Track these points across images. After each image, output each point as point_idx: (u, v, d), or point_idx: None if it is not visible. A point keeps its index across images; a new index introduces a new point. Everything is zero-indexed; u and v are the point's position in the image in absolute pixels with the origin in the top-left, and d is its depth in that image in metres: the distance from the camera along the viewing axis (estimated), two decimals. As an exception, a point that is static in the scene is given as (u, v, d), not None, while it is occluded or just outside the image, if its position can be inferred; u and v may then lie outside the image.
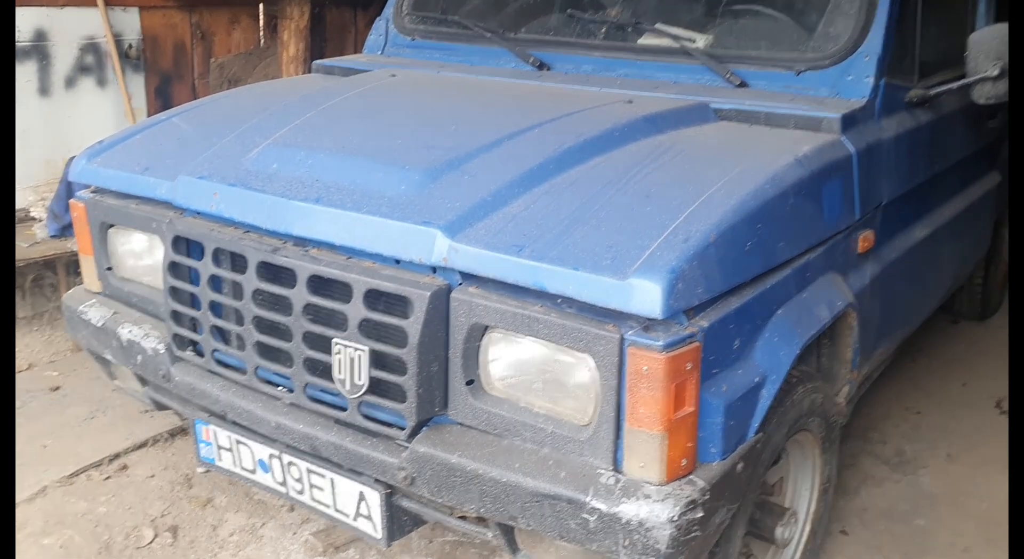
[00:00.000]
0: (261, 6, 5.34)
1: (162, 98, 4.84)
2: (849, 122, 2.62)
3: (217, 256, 2.40)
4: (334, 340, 2.20)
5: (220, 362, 2.51)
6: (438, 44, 3.49)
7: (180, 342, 2.56)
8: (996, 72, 2.84)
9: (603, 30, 3.20)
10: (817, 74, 2.81)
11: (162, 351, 2.60)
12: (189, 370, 2.57)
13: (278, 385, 2.41)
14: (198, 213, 2.51)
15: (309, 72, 4.50)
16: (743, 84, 2.88)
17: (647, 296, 1.87)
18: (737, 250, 2.07)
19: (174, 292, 2.51)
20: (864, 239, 2.68)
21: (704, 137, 2.54)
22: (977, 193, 3.81)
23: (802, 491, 2.72)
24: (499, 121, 2.61)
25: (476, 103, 2.86)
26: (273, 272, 2.31)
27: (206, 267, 2.41)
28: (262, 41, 5.38)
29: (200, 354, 2.53)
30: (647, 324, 1.93)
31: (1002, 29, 2.79)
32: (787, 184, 2.26)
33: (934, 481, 3.55)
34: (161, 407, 2.82)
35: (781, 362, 2.18)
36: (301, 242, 2.33)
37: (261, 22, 5.39)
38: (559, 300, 2.02)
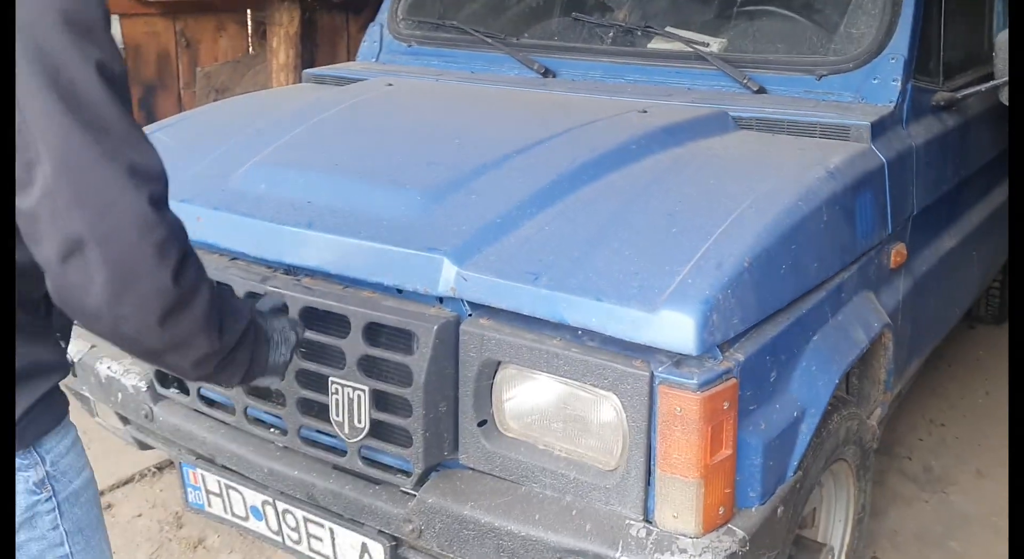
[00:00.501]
0: (249, 12, 5.14)
1: (146, 109, 4.64)
2: (878, 129, 2.45)
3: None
4: (331, 379, 2.01)
5: (207, 401, 2.32)
6: (436, 50, 3.30)
7: (163, 379, 2.37)
8: (1028, 72, 2.66)
9: (610, 34, 3.02)
10: (840, 78, 2.65)
11: (144, 389, 2.41)
12: (173, 409, 2.38)
13: (270, 426, 2.22)
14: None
15: (300, 80, 4.32)
16: (761, 90, 2.71)
17: (679, 330, 1.69)
18: (772, 274, 1.89)
19: (157, 325, 2.31)
20: (896, 253, 2.51)
21: (726, 149, 2.36)
22: (1000, 197, 3.64)
23: (836, 522, 2.54)
24: (506, 134, 2.43)
25: (479, 114, 2.68)
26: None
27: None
28: (250, 48, 5.18)
29: (185, 392, 2.34)
30: (678, 359, 1.75)
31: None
32: (821, 199, 2.08)
33: (965, 499, 3.38)
34: (145, 446, 2.63)
35: (820, 393, 2.00)
36: (293, 270, 2.14)
37: (249, 29, 5.20)
38: (579, 332, 1.84)
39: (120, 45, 4.51)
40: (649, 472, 1.78)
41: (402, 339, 1.97)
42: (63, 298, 1.19)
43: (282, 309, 1.74)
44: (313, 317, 2.05)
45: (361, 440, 2.01)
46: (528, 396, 1.93)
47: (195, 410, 2.34)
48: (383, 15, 3.48)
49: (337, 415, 2.02)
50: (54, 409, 1.38)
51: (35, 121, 1.12)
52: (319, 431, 2.11)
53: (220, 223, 2.20)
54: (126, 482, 3.33)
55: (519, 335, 1.86)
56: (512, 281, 1.86)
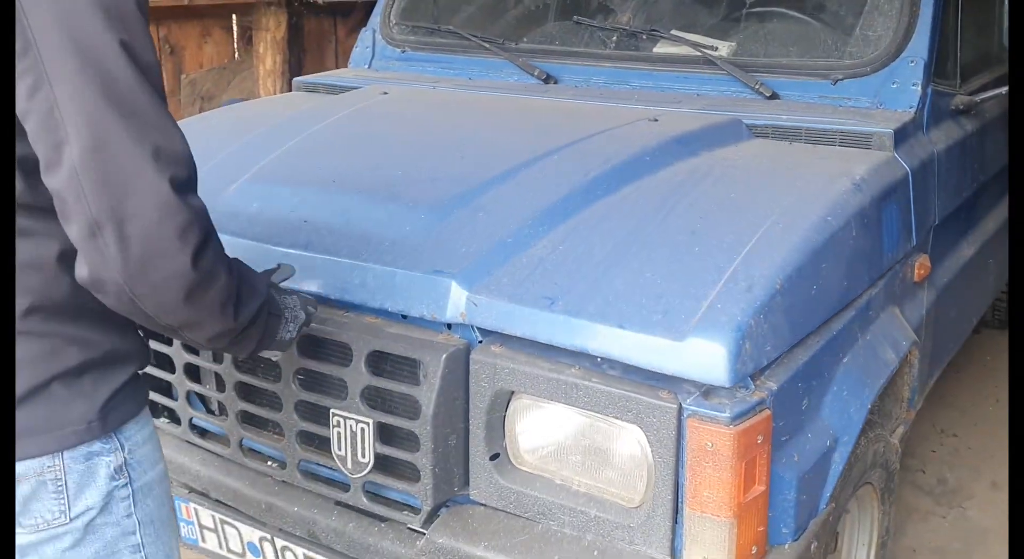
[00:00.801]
0: (234, 17, 5.00)
1: (129, 119, 4.49)
2: (901, 136, 2.34)
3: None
4: (332, 410, 1.89)
5: (199, 431, 2.19)
6: (431, 56, 3.18)
7: (153, 408, 2.24)
8: (1048, 74, 2.55)
9: (614, 38, 2.91)
10: (857, 82, 2.54)
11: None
12: (163, 441, 2.20)
13: (268, 458, 2.09)
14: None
15: (288, 86, 4.19)
16: (774, 95, 2.60)
17: (710, 360, 1.57)
18: (804, 296, 1.78)
19: (145, 352, 2.18)
20: (920, 266, 2.40)
21: (743, 159, 2.24)
22: (1014, 202, 3.54)
23: (859, 546, 2.43)
24: (511, 146, 2.31)
25: (482, 124, 2.56)
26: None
27: (181, 324, 2.08)
28: (236, 54, 5.04)
29: (176, 422, 2.21)
30: (707, 388, 1.63)
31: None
32: (849, 213, 1.97)
33: (982, 514, 3.29)
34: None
35: (852, 420, 1.89)
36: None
37: (235, 34, 5.06)
38: (599, 360, 1.72)
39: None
40: (676, 510, 1.66)
41: (408, 368, 1.85)
42: (89, 276, 1.22)
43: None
44: (312, 345, 1.93)
45: (365, 475, 1.89)
46: (544, 427, 1.81)
47: (187, 441, 2.21)
48: (375, 20, 3.35)
49: (339, 449, 1.90)
50: (136, 397, 1.43)
51: (65, 103, 1.15)
52: (320, 465, 1.98)
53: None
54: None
55: (534, 364, 1.74)
56: (526, 306, 1.74)
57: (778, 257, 1.76)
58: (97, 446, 1.36)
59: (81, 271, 1.23)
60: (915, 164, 2.34)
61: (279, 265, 1.83)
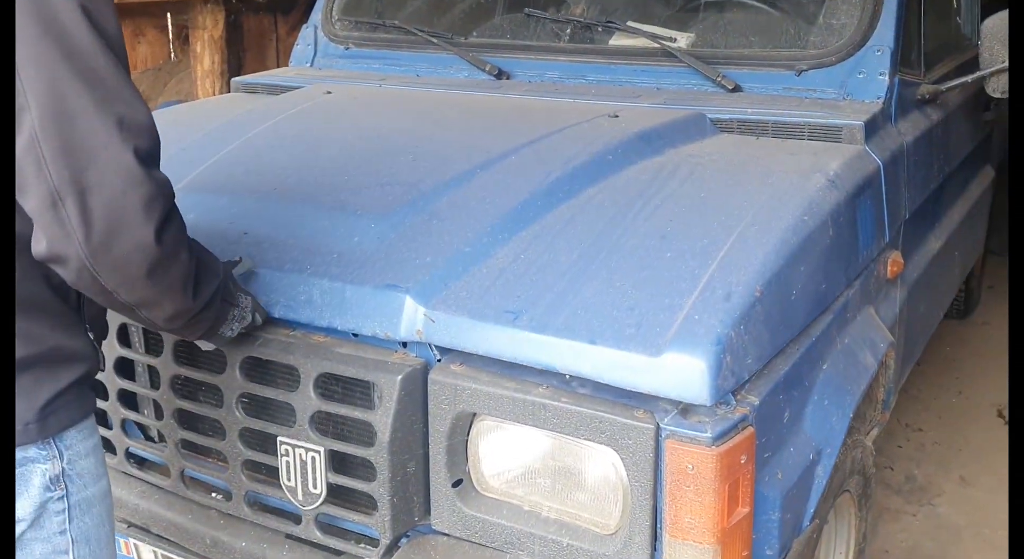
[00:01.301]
0: (169, 16, 4.80)
1: (60, 124, 4.28)
2: (871, 128, 2.24)
3: (124, 334, 1.93)
4: (280, 438, 1.74)
5: (137, 460, 2.03)
6: (377, 52, 3.03)
7: (86, 437, 2.07)
8: (1016, 61, 2.48)
9: (568, 31, 2.78)
10: (822, 73, 2.44)
11: (65, 449, 2.10)
12: (100, 472, 2.08)
13: (212, 489, 1.94)
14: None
15: (227, 88, 4.00)
16: (736, 88, 2.49)
17: (689, 376, 1.46)
18: (784, 302, 1.67)
19: (75, 378, 2.02)
20: (893, 263, 2.31)
21: (710, 155, 2.13)
22: (977, 191, 3.49)
23: (836, 555, 2.34)
24: (465, 147, 2.17)
25: (433, 124, 2.42)
26: (196, 353, 1.84)
27: (111, 347, 1.93)
28: (172, 54, 4.84)
29: (112, 452, 2.04)
30: (685, 406, 1.52)
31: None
32: (826, 211, 1.87)
33: (953, 511, 3.23)
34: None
35: (835, 430, 1.79)
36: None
37: (170, 34, 4.86)
38: (568, 377, 1.60)
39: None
40: (655, 537, 1.54)
41: (361, 391, 1.71)
42: (48, 250, 1.17)
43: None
44: (257, 367, 1.78)
45: (318, 507, 1.75)
46: (510, 449, 1.68)
47: (124, 472, 2.05)
48: (317, 16, 3.19)
49: (289, 479, 1.75)
50: (81, 403, 1.35)
51: (26, 68, 1.12)
52: (269, 496, 1.84)
53: None
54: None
55: (498, 383, 1.61)
56: (488, 322, 1.61)
57: (755, 261, 1.65)
58: (32, 451, 1.28)
59: (39, 246, 1.18)
60: (886, 157, 2.25)
61: (240, 258, 1.74)
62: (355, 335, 1.75)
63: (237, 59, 5.02)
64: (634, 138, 2.13)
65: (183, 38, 4.82)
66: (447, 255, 1.75)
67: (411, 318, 1.66)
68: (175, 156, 2.27)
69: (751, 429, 1.51)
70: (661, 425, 1.48)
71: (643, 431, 1.48)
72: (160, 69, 4.74)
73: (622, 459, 1.52)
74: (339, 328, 1.72)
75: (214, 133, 2.37)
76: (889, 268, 2.29)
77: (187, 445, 1.92)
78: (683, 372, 1.46)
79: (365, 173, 2.05)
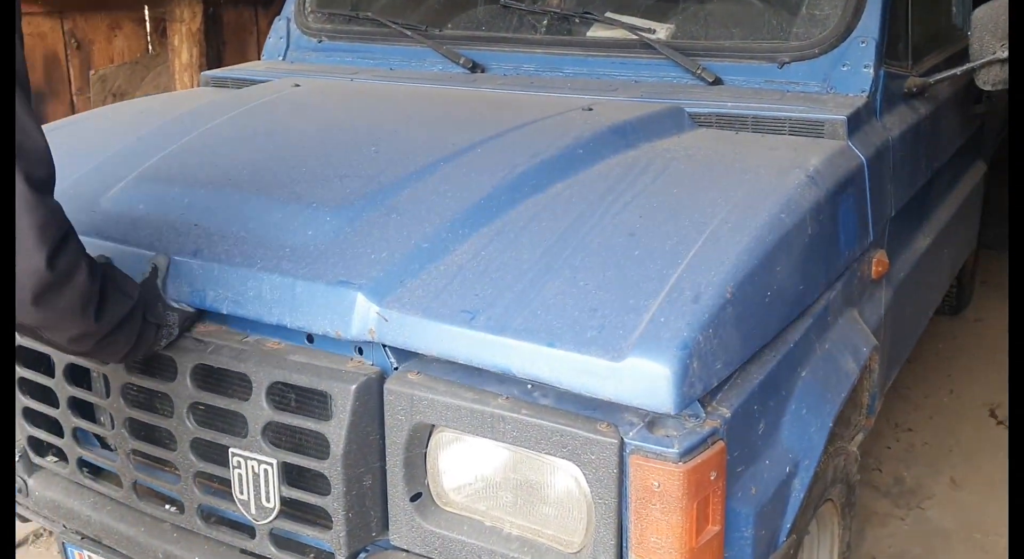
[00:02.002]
0: (146, 8, 4.70)
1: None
2: (854, 123, 2.16)
3: (74, 339, 1.84)
4: (231, 450, 1.66)
5: (90, 470, 1.95)
6: (349, 46, 2.94)
7: (38, 446, 1.99)
8: (1005, 53, 2.39)
9: (544, 23, 2.70)
10: (804, 65, 2.36)
11: (16, 458, 2.02)
12: (51, 482, 2.01)
13: (166, 500, 1.86)
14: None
15: (204, 82, 3.90)
16: (717, 81, 2.41)
17: (652, 383, 1.38)
18: (757, 304, 1.59)
19: (23, 384, 1.94)
20: (878, 262, 2.23)
21: (685, 150, 2.05)
22: (968, 186, 3.41)
23: (819, 566, 2.27)
24: (431, 140, 2.09)
25: (400, 117, 2.33)
26: (146, 360, 1.75)
27: (60, 354, 1.84)
28: (150, 48, 4.74)
29: (64, 460, 1.97)
30: (651, 418, 1.44)
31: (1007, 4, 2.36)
32: (804, 209, 1.79)
33: (942, 514, 3.15)
34: (26, 519, 2.24)
35: (814, 441, 1.71)
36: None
37: (148, 26, 4.75)
38: (529, 385, 1.52)
39: None
40: (621, 556, 1.46)
41: (315, 401, 1.63)
42: None
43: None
44: (208, 375, 1.70)
45: (271, 521, 1.67)
46: (470, 462, 1.60)
47: (76, 482, 1.97)
48: (289, 8, 3.10)
49: (241, 492, 1.68)
50: None
51: None
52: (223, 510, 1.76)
53: (90, 251, 1.82)
54: (19, 544, 2.94)
55: (456, 394, 1.52)
56: (443, 322, 1.53)
57: (727, 261, 1.57)
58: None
59: None
60: (870, 153, 2.16)
61: (153, 266, 1.71)
62: (309, 340, 1.67)
63: (216, 53, 4.92)
64: (607, 132, 2.04)
65: (161, 31, 4.72)
66: (404, 251, 1.66)
67: (363, 317, 1.58)
68: (130, 146, 2.19)
69: (721, 443, 1.43)
70: (625, 439, 1.40)
71: (606, 446, 1.40)
72: (137, 63, 4.64)
73: (585, 475, 1.44)
74: (289, 325, 1.64)
75: (172, 124, 2.29)
76: (874, 268, 2.21)
77: (139, 455, 1.84)
78: (646, 378, 1.37)
79: (324, 165, 1.97)
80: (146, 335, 1.57)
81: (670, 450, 1.37)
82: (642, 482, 1.39)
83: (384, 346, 1.60)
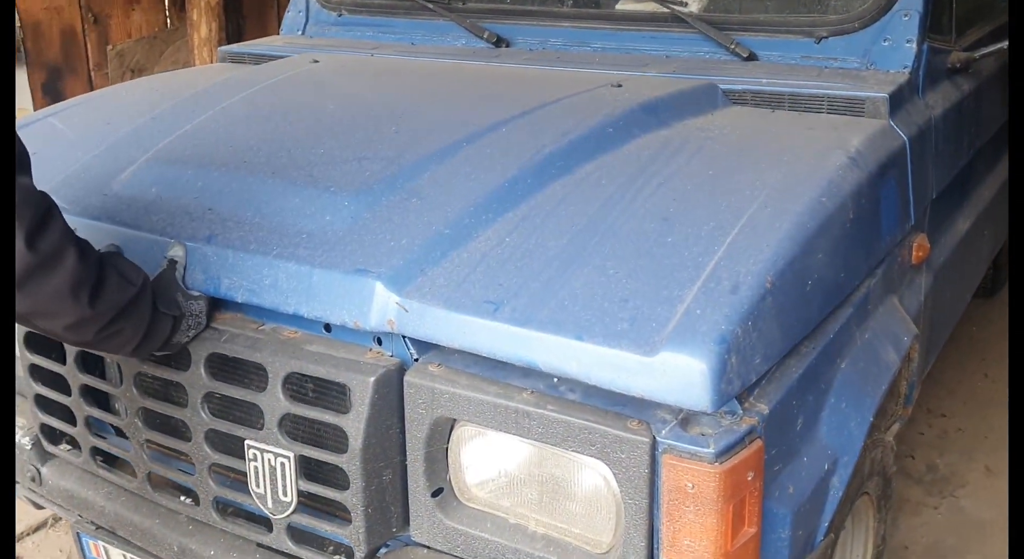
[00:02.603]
0: (165, -18, 4.64)
1: (52, 96, 4.14)
2: (896, 101, 2.06)
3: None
4: (247, 442, 1.60)
5: (104, 459, 1.90)
6: (370, 20, 2.86)
7: (51, 434, 1.95)
8: (1053, 26, 2.28)
9: (572, -5, 2.60)
10: (843, 40, 2.26)
11: (28, 446, 1.98)
12: (65, 471, 1.96)
13: (182, 492, 1.81)
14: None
15: (221, 57, 3.83)
16: (751, 56, 2.31)
17: (688, 379, 1.30)
18: (797, 294, 1.51)
19: (35, 371, 1.89)
20: (918, 247, 2.13)
21: (720, 129, 1.96)
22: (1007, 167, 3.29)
23: (853, 559, 2.19)
24: (453, 118, 2.01)
25: (421, 95, 2.25)
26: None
27: (72, 340, 1.79)
28: (168, 22, 4.68)
29: (77, 449, 1.92)
30: (685, 414, 1.36)
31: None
32: (846, 193, 1.70)
33: (977, 504, 3.06)
34: (40, 507, 2.20)
35: (853, 436, 1.63)
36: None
37: (166, 0, 4.69)
38: (555, 379, 1.44)
39: (16, 23, 3.99)
40: (652, 558, 1.39)
41: (333, 393, 1.57)
42: None
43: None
44: (223, 364, 1.64)
45: (289, 515, 1.61)
46: (494, 457, 1.53)
47: (90, 472, 1.92)
48: (309, -20, 3.02)
49: (258, 486, 1.62)
50: None
51: None
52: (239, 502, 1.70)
53: (99, 237, 1.76)
54: (37, 529, 2.91)
55: (479, 387, 1.46)
56: (465, 313, 1.46)
57: (767, 249, 1.48)
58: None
59: None
60: (912, 132, 2.07)
61: (171, 259, 1.65)
62: (327, 329, 1.61)
63: (236, 27, 4.85)
64: (637, 109, 1.96)
65: (180, 5, 4.65)
66: (424, 238, 1.59)
67: (382, 306, 1.51)
68: (144, 126, 2.13)
69: (759, 442, 1.35)
70: (658, 438, 1.33)
71: (637, 445, 1.33)
72: (156, 37, 4.58)
73: (614, 474, 1.37)
74: (305, 315, 1.57)
75: (187, 103, 2.22)
76: (914, 253, 2.12)
77: (153, 445, 1.78)
78: (681, 374, 1.30)
79: (343, 146, 1.90)
80: (159, 326, 1.51)
81: (705, 450, 1.30)
82: (675, 483, 1.32)
83: (404, 337, 1.54)
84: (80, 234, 1.76)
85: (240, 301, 1.64)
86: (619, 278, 1.47)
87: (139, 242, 1.72)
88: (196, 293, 1.64)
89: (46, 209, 1.24)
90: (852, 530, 2.12)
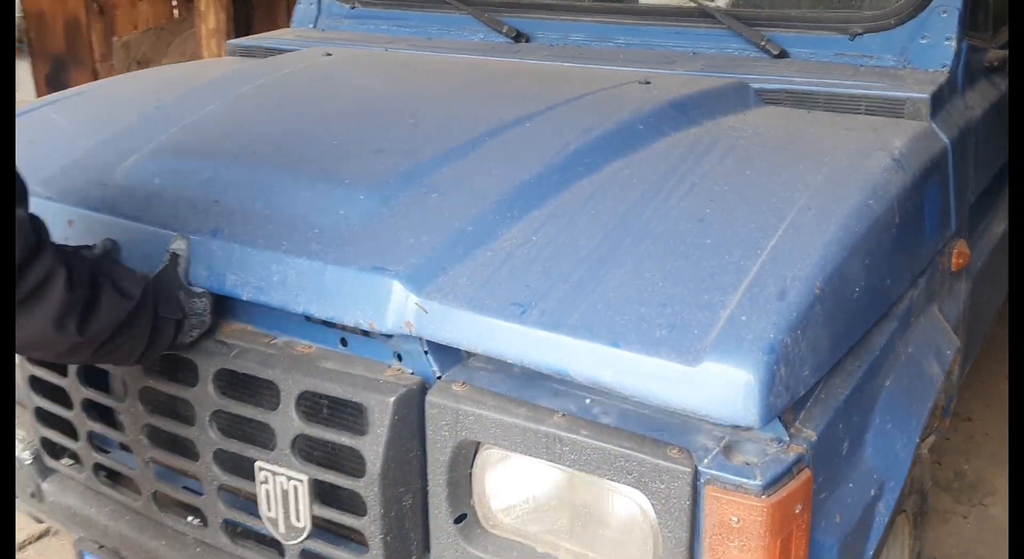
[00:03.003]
0: (172, -28, 4.55)
1: (55, 87, 4.05)
2: (937, 102, 1.97)
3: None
4: (258, 463, 1.52)
5: (107, 475, 1.82)
6: (385, 12, 2.77)
7: (52, 449, 1.86)
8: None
9: (594, -13, 2.51)
10: (879, 37, 2.17)
11: (28, 461, 1.90)
12: (66, 486, 1.88)
13: (188, 512, 1.72)
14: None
15: (229, 50, 3.74)
16: (782, 53, 2.22)
17: (734, 392, 1.21)
18: (846, 301, 1.41)
19: (35, 383, 1.80)
20: (959, 254, 2.04)
21: (754, 129, 1.87)
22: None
23: (886, 577, 2.10)
24: (474, 112, 1.92)
25: (439, 88, 2.16)
26: (166, 362, 1.61)
27: (75, 352, 1.70)
28: (176, 13, 4.59)
29: (79, 463, 1.84)
30: (728, 441, 1.27)
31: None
32: (892, 196, 1.60)
33: (1007, 512, 2.97)
34: (42, 521, 2.12)
35: (900, 458, 1.54)
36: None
37: (173, -9, 4.60)
38: (588, 400, 1.36)
39: (18, 13, 3.90)
40: (692, 593, 1.31)
41: (350, 413, 1.48)
42: None
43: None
44: (232, 380, 1.56)
45: (302, 541, 1.53)
46: (521, 481, 1.44)
47: (93, 489, 1.84)
48: (320, -28, 2.93)
49: (269, 510, 1.53)
50: None
51: None
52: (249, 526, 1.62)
53: (98, 229, 1.67)
54: (39, 537, 2.83)
55: (507, 409, 1.36)
56: (491, 315, 1.36)
57: (814, 252, 1.39)
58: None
59: None
60: (954, 135, 1.97)
61: (172, 254, 1.55)
62: (343, 343, 1.52)
63: (245, 19, 4.75)
64: (667, 107, 1.87)
65: (186, -4, 4.57)
66: (446, 235, 1.49)
67: (400, 307, 1.41)
68: (148, 116, 2.05)
69: (808, 472, 1.26)
70: (700, 467, 1.24)
71: (678, 474, 1.24)
72: (163, 29, 4.48)
73: (652, 504, 1.28)
74: (316, 315, 1.47)
75: (193, 94, 2.13)
76: (954, 260, 2.02)
77: (159, 465, 1.70)
78: (726, 386, 1.20)
79: (358, 139, 1.81)
80: (162, 333, 1.45)
81: (752, 482, 1.21)
82: (718, 517, 1.23)
83: (426, 353, 1.45)
84: (78, 226, 1.70)
85: (245, 298, 1.53)
86: (656, 281, 1.38)
87: (140, 234, 1.62)
88: (199, 290, 1.55)
89: (36, 242, 1.20)
90: (888, 549, 2.03)
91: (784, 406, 1.27)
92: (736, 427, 1.27)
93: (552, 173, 1.66)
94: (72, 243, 1.61)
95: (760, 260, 1.39)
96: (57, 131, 2.13)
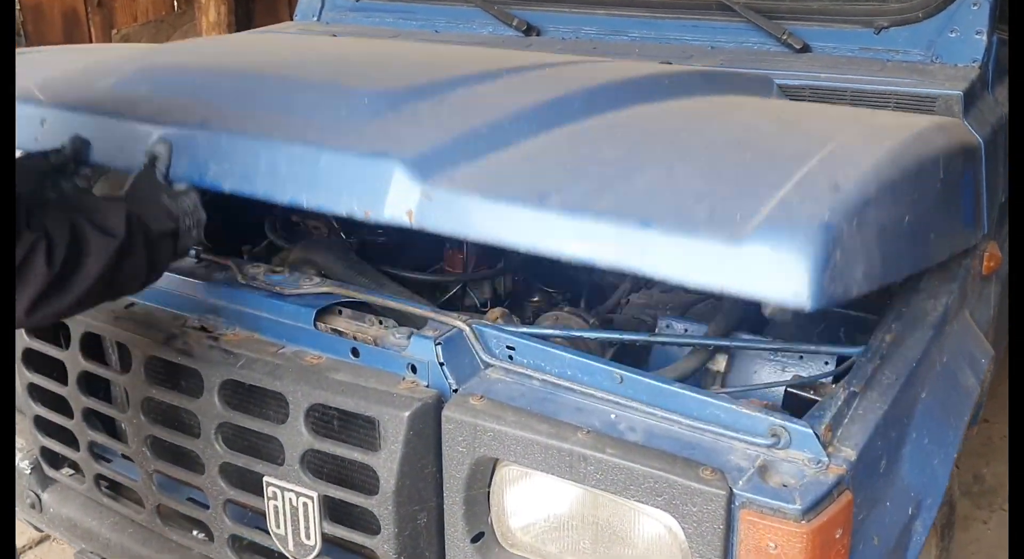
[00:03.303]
0: (172, -37, 4.47)
1: (55, 82, 3.97)
2: (969, 99, 1.89)
3: (89, 344, 1.64)
4: (266, 478, 1.45)
5: (109, 486, 1.75)
6: (391, 5, 2.70)
7: (52, 458, 1.80)
8: None
9: (608, -22, 2.43)
10: (906, 31, 2.10)
11: (28, 471, 1.84)
12: (67, 498, 1.82)
13: (193, 526, 1.66)
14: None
15: (233, 42, 3.67)
16: (805, 47, 2.15)
17: (785, 269, 1.10)
18: (896, 224, 1.32)
19: (34, 391, 1.74)
20: (990, 257, 1.97)
21: (780, 107, 1.81)
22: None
23: (911, 589, 2.04)
24: (497, 59, 1.88)
25: (451, 58, 2.08)
26: (170, 371, 1.55)
27: (74, 360, 1.64)
28: (176, 5, 4.51)
29: (80, 473, 1.77)
30: (764, 461, 1.20)
31: None
32: (938, 148, 1.54)
33: (1027, 518, 2.90)
34: (41, 530, 2.06)
35: (937, 474, 1.47)
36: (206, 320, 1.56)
37: (173, -18, 4.53)
38: (613, 416, 1.29)
39: (16, 5, 3.83)
40: (724, 620, 1.24)
41: (362, 427, 1.41)
42: None
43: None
44: (239, 392, 1.49)
45: (312, 559, 1.46)
46: (541, 498, 1.38)
47: (94, 500, 1.78)
48: (324, -39, 2.85)
49: (278, 527, 1.47)
50: None
51: None
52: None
53: (72, 126, 1.57)
54: (40, 542, 2.77)
55: (528, 425, 1.30)
56: (505, 202, 1.27)
57: (866, 164, 1.31)
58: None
59: None
60: (986, 133, 1.90)
61: (152, 155, 1.47)
62: (355, 353, 1.45)
63: (246, 11, 4.68)
64: (696, 75, 1.81)
65: (187, -13, 4.49)
66: (460, 132, 1.41)
67: (401, 194, 1.31)
68: (141, 54, 2.02)
69: (849, 495, 1.19)
70: (735, 490, 1.17)
71: (712, 497, 1.17)
72: (162, 21, 4.41)
73: (683, 528, 1.21)
74: (304, 205, 1.39)
75: (190, 44, 2.10)
76: (985, 263, 1.95)
77: (163, 478, 1.63)
78: (776, 264, 1.10)
79: (369, 72, 1.75)
80: (161, 249, 1.37)
81: (791, 506, 1.14)
82: (754, 542, 1.16)
83: (442, 365, 1.38)
84: (51, 125, 1.61)
85: (227, 190, 1.45)
86: (692, 177, 1.30)
87: (117, 131, 1.55)
88: (182, 186, 1.46)
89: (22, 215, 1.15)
90: (914, 561, 1.97)
91: (838, 297, 1.15)
92: (783, 307, 1.13)
93: (573, 101, 1.58)
94: (42, 144, 1.54)
95: (809, 164, 1.29)
96: (49, 59, 2.07)
